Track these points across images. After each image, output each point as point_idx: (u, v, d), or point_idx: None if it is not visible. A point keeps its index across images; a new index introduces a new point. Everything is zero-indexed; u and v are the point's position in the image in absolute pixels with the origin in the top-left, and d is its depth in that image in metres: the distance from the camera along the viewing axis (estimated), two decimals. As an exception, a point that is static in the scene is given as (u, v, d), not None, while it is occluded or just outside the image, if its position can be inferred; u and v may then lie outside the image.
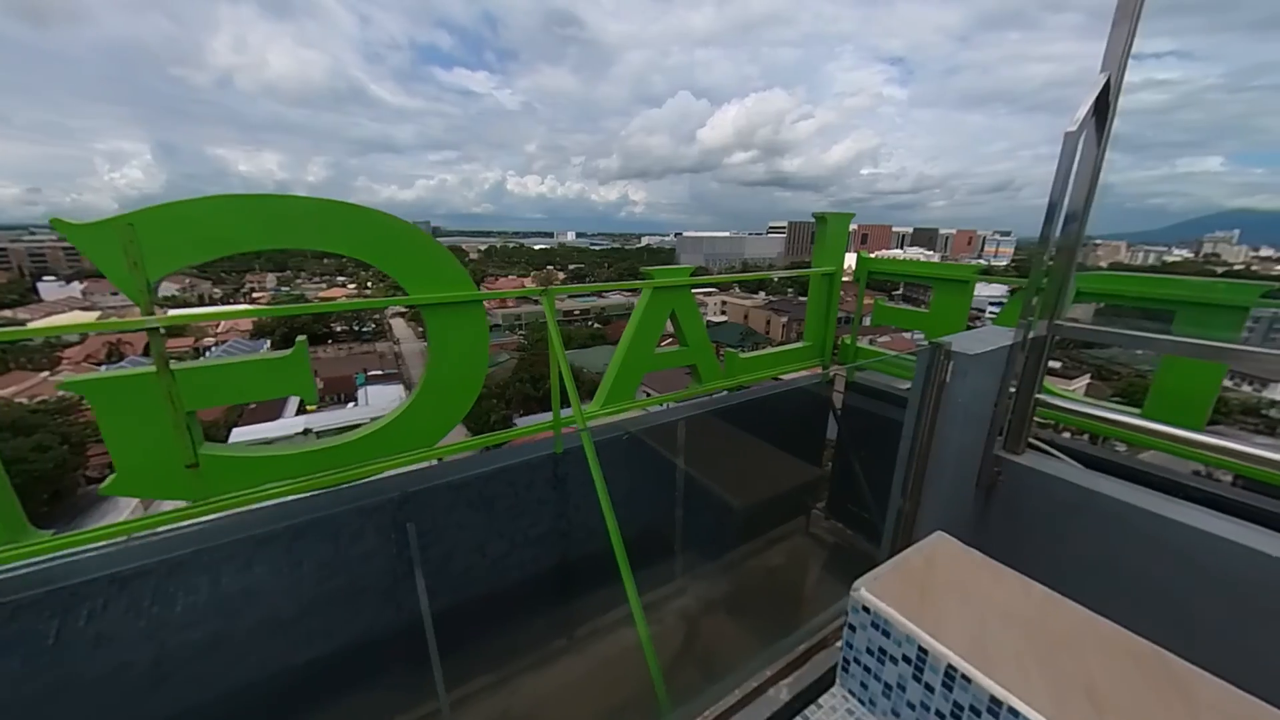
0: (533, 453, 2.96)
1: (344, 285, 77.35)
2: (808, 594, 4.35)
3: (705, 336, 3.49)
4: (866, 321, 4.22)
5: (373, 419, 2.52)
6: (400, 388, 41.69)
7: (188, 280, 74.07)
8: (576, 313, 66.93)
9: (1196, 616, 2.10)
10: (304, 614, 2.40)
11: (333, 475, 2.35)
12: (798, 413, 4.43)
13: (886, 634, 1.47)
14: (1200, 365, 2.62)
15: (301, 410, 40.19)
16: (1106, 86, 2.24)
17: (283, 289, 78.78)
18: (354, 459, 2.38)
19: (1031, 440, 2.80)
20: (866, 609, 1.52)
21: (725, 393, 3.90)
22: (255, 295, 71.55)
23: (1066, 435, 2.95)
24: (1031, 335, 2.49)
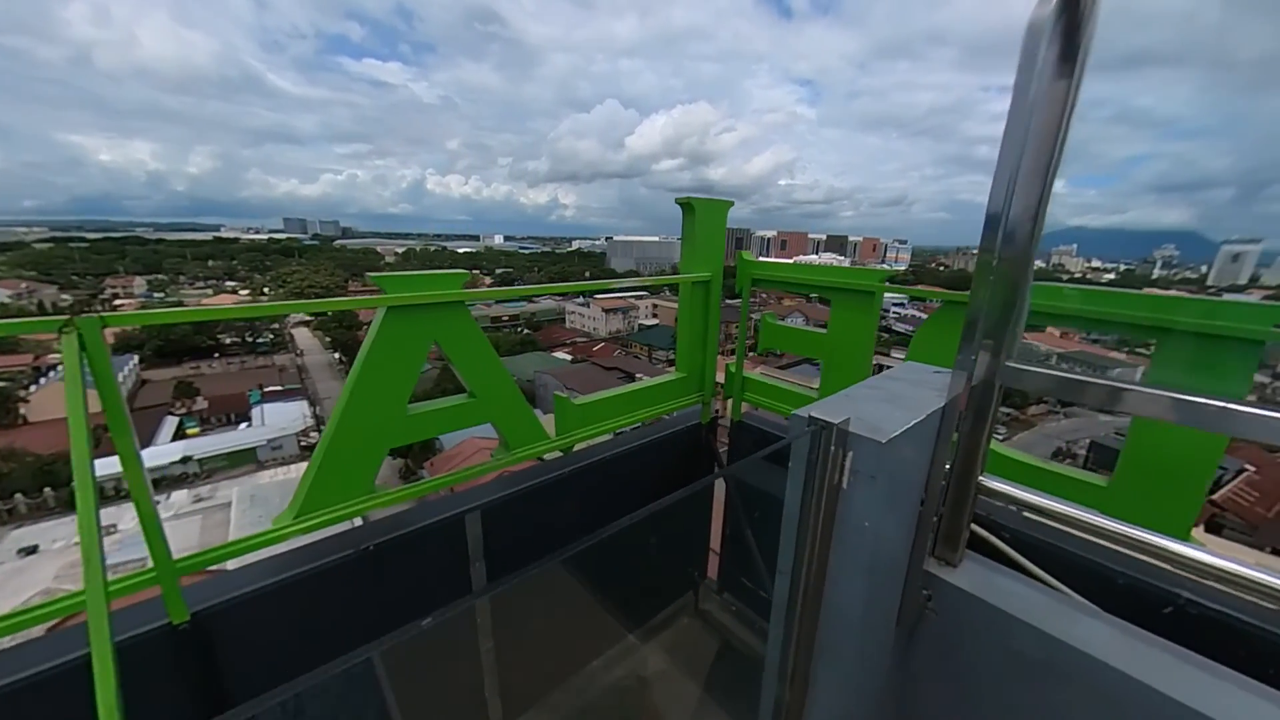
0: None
1: (234, 291, 68.84)
2: (696, 709, 3.25)
3: (505, 379, 2.26)
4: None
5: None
6: (304, 404, 37.20)
7: (24, 285, 62.34)
8: (505, 318, 64.21)
9: None
10: None
11: None
12: (670, 466, 3.32)
13: None
14: (1189, 434, 1.74)
15: (180, 435, 34.46)
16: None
17: (155, 295, 68.61)
18: None
19: (975, 527, 1.83)
20: None
21: (561, 454, 2.71)
22: (119, 303, 61.58)
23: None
24: (975, 384, 1.49)
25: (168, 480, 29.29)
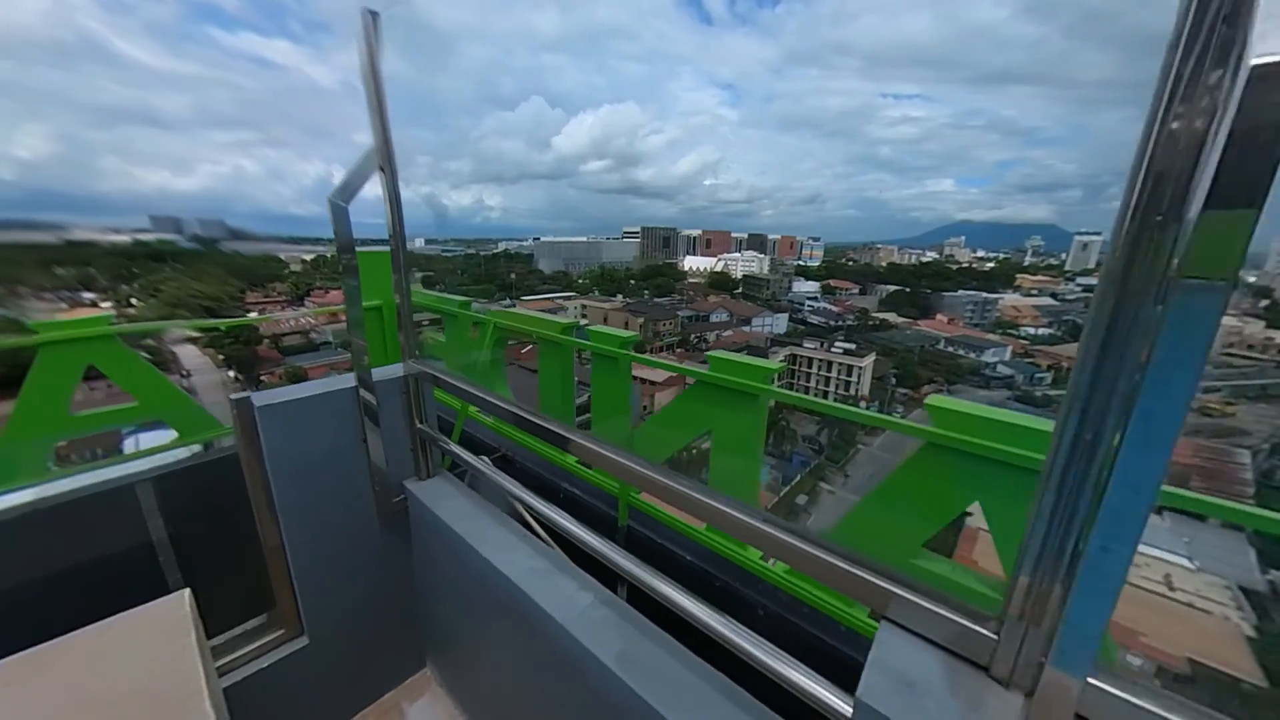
0: None
1: (94, 304, 60.57)
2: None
3: (166, 387, 3.22)
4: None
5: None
6: (193, 429, 34.22)
7: None
8: (425, 321, 61.85)
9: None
10: None
11: None
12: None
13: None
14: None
15: (38, 473, 30.63)
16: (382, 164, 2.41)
17: (-7, 313, 58.70)
18: None
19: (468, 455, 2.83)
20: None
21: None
22: (-51, 326, 52.50)
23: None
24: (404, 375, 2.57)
25: (20, 521, 26.00)
